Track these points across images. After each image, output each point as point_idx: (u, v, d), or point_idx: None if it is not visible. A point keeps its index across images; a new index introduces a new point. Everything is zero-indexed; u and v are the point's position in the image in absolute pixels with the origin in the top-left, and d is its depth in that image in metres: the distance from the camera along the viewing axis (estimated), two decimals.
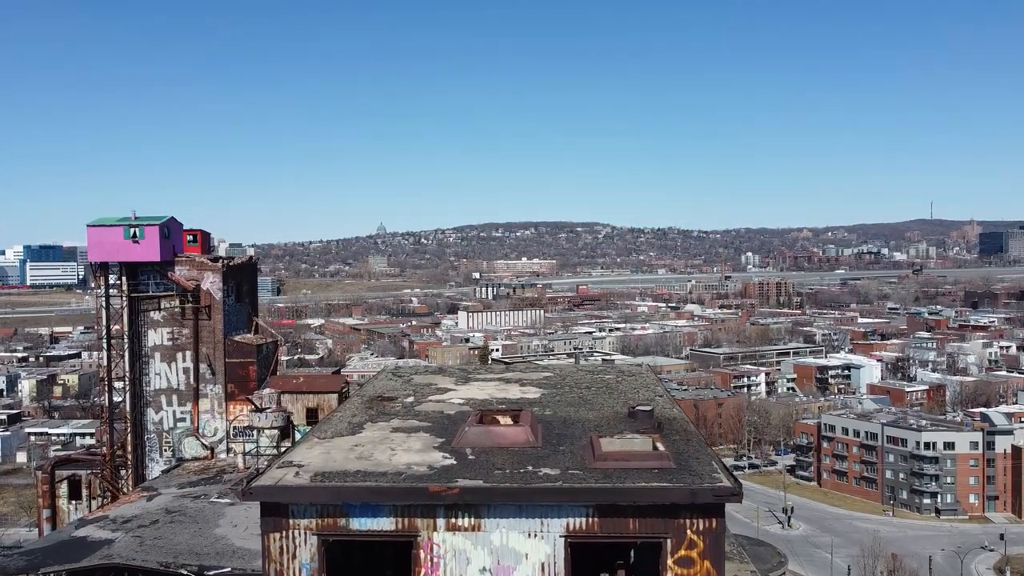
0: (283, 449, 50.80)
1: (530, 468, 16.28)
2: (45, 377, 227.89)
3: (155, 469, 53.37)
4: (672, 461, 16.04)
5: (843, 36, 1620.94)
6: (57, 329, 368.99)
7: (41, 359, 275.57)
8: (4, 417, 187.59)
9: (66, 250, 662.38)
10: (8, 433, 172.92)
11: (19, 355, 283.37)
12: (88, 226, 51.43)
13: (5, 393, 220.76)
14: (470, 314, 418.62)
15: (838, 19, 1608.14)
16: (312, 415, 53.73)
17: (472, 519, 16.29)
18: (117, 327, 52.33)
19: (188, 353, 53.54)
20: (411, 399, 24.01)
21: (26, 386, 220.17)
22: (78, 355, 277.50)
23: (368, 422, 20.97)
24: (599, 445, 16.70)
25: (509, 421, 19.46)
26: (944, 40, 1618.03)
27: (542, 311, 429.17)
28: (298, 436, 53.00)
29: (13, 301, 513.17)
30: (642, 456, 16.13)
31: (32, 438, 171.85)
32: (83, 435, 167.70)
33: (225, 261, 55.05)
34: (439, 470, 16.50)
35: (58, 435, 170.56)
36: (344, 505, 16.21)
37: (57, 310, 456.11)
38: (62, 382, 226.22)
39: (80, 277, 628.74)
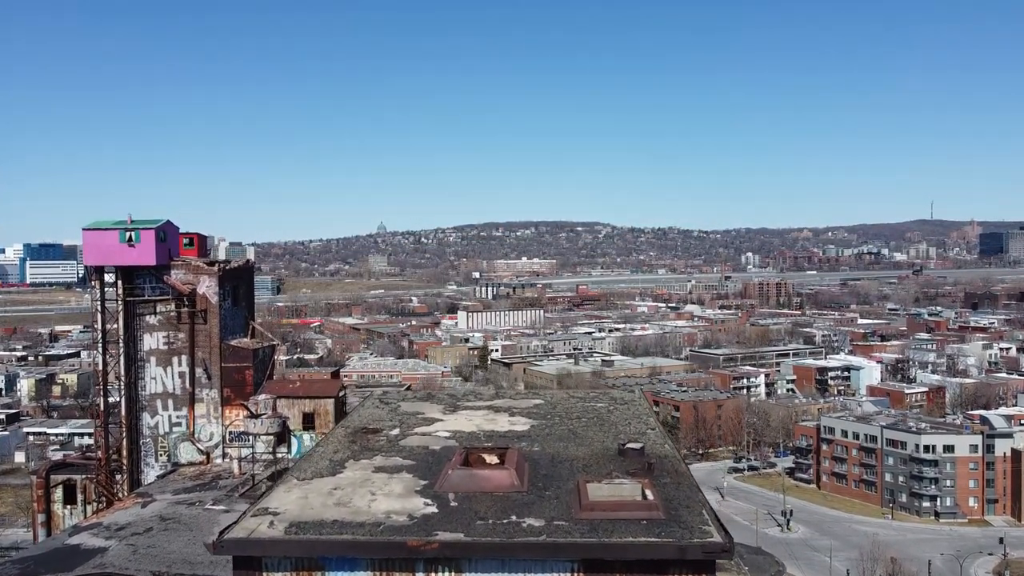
0: (279, 454, 50.64)
1: (514, 518, 15.52)
2: (44, 376, 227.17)
3: (150, 474, 53.04)
4: (661, 511, 15.47)
5: (843, 36, 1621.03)
6: (57, 328, 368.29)
7: (40, 358, 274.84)
8: (3, 417, 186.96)
9: (66, 248, 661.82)
10: (7, 433, 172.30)
11: (18, 354, 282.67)
12: (84, 229, 51.08)
13: (4, 392, 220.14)
14: (470, 314, 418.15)
15: (838, 19, 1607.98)
16: (308, 420, 53.42)
17: (452, 574, 15.53)
18: (112, 326, 51.93)
19: (184, 357, 53.18)
20: (396, 431, 23.23)
21: (25, 385, 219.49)
22: (77, 354, 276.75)
23: (350, 459, 20.24)
24: (586, 492, 16.16)
25: (495, 460, 18.91)
26: (944, 40, 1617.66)
27: (542, 311, 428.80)
28: (294, 441, 52.72)
29: (13, 299, 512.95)
30: (631, 506, 15.57)
31: (31, 438, 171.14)
32: (81, 435, 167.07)
33: (221, 265, 54.72)
34: (419, 520, 15.80)
35: (56, 435, 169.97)
36: (320, 559, 15.43)
37: (57, 309, 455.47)
38: (61, 381, 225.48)
39: (80, 276, 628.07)
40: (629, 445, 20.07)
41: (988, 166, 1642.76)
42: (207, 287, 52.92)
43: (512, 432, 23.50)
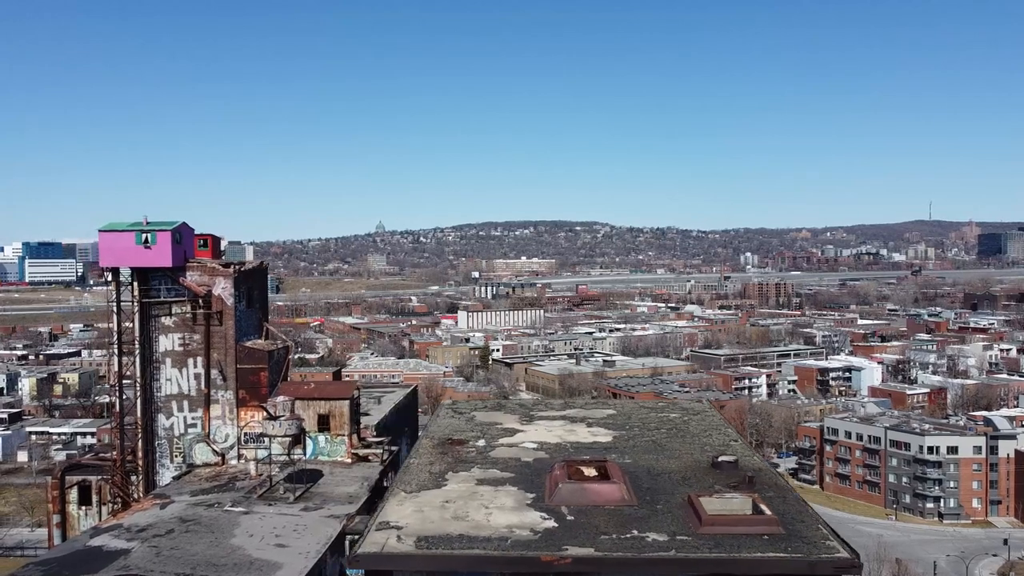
0: (295, 456, 50.58)
1: (635, 532, 15.60)
2: (45, 375, 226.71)
3: (165, 475, 52.97)
4: (780, 526, 15.56)
5: (843, 37, 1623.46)
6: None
7: (41, 357, 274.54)
8: (5, 416, 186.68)
9: (65, 247, 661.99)
10: (9, 432, 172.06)
11: (19, 353, 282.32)
12: (100, 231, 51.02)
13: (5, 391, 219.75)
14: (470, 314, 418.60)
15: (838, 20, 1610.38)
16: (323, 422, 53.32)
17: None
18: (127, 326, 51.77)
19: (199, 359, 53.05)
20: (482, 442, 23.47)
21: (26, 384, 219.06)
22: (78, 353, 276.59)
23: (449, 471, 20.38)
24: (702, 507, 16.26)
25: (594, 472, 19.03)
26: (944, 41, 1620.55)
27: (542, 311, 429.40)
28: (309, 443, 52.70)
29: (12, 298, 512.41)
30: (750, 521, 15.68)
31: (33, 437, 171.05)
32: (84, 434, 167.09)
33: (236, 267, 54.62)
34: (542, 534, 15.89)
35: (59, 434, 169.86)
36: (450, 573, 15.56)
37: (56, 308, 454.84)
38: (62, 380, 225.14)
39: (79, 274, 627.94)
40: (722, 458, 20.13)
41: (987, 167, 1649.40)
42: (222, 289, 52.84)
43: (597, 444, 23.64)
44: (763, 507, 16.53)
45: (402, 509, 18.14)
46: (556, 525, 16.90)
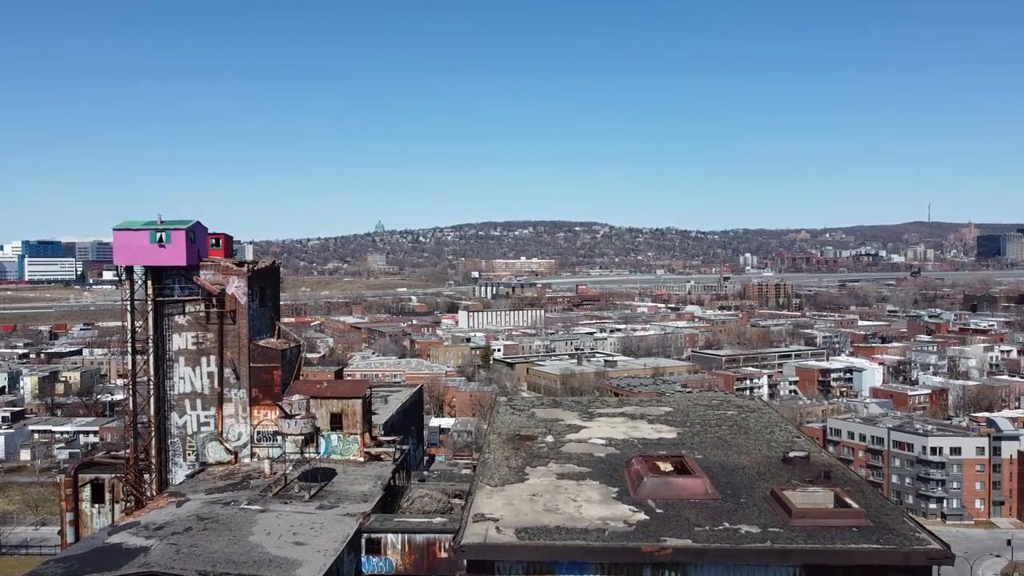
0: (308, 454, 50.68)
1: (726, 524, 16.06)
2: (47, 374, 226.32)
3: (178, 473, 53.09)
4: (867, 519, 15.88)
5: (843, 38, 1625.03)
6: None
7: (42, 355, 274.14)
8: (7, 414, 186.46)
9: (65, 246, 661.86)
10: (12, 431, 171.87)
11: (20, 351, 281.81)
12: (114, 229, 51.08)
13: (7, 390, 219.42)
14: (470, 313, 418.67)
15: (837, 21, 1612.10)
16: (336, 420, 53.45)
17: None
18: (140, 325, 51.85)
19: (212, 357, 53.21)
20: (550, 438, 23.97)
21: (28, 383, 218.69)
22: (79, 352, 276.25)
23: (526, 466, 20.82)
24: (790, 501, 16.54)
25: (670, 467, 19.26)
26: (943, 43, 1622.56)
27: (542, 311, 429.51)
28: (322, 442, 52.80)
29: (11, 297, 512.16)
30: (838, 514, 16.06)
31: (35, 436, 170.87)
32: (87, 433, 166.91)
33: (250, 265, 54.78)
34: (636, 526, 16.32)
35: (61, 433, 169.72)
36: (551, 563, 16.01)
37: (56, 306, 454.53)
38: (64, 379, 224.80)
39: (79, 273, 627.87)
40: (793, 453, 20.36)
41: (985, 168, 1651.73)
42: (236, 287, 53.02)
43: (664, 440, 23.94)
44: (848, 500, 16.81)
45: (492, 502, 18.41)
46: (647, 518, 17.21)
